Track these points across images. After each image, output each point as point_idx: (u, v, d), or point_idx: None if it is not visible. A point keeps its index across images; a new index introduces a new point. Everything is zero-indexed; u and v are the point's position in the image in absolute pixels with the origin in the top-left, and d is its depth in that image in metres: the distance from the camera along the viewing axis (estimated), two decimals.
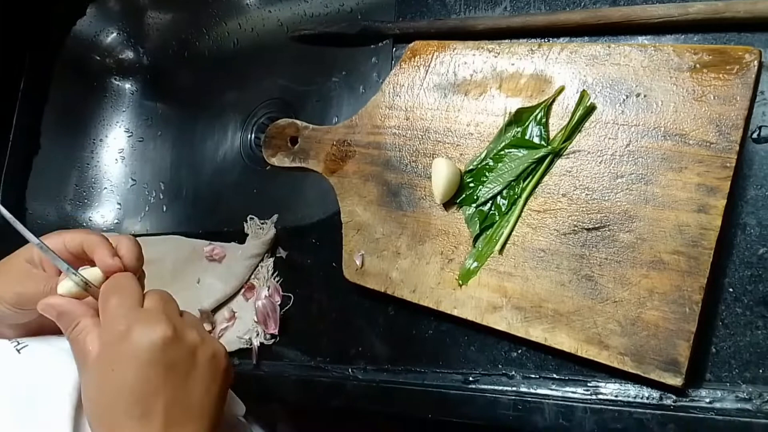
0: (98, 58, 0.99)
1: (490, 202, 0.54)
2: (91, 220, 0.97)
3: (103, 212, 0.97)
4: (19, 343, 0.46)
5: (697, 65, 0.47)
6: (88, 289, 0.44)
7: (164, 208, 0.94)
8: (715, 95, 0.46)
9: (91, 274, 0.45)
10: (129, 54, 1.00)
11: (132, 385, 0.39)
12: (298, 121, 0.68)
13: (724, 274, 0.47)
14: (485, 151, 0.55)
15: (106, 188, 0.98)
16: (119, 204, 0.97)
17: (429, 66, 0.60)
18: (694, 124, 0.46)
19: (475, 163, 0.56)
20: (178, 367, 0.41)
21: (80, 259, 0.46)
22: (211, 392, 0.42)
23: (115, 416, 0.39)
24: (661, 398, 0.47)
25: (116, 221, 0.97)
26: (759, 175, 0.47)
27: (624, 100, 0.50)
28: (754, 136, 0.48)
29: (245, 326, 0.69)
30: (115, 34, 1.00)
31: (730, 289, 0.47)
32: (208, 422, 0.42)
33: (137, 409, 0.39)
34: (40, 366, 0.45)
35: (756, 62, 0.45)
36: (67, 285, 0.44)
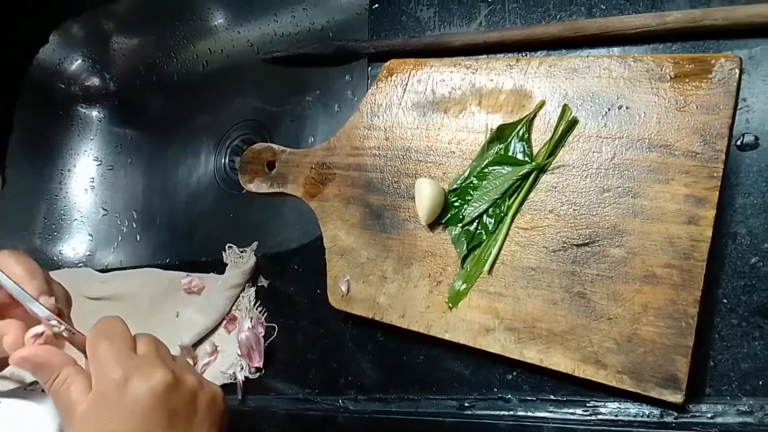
0: (63, 86, 0.97)
1: (476, 221, 0.53)
2: (61, 254, 0.93)
3: (74, 245, 0.94)
4: None
5: (678, 75, 0.46)
6: (72, 339, 0.42)
7: (138, 238, 0.91)
8: (697, 104, 0.45)
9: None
10: (95, 81, 0.98)
11: None
12: (274, 145, 0.66)
13: (718, 285, 0.47)
14: (468, 169, 0.54)
15: (76, 219, 0.95)
16: (90, 235, 0.94)
17: (406, 84, 0.58)
18: (678, 134, 0.46)
19: (458, 181, 0.54)
20: (180, 413, 0.40)
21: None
22: None
23: None
24: (662, 415, 0.46)
25: (88, 253, 0.93)
26: (746, 183, 0.47)
27: (606, 112, 0.49)
28: (738, 143, 0.48)
29: (228, 360, 0.66)
30: (80, 61, 0.97)
31: (725, 300, 0.46)
32: None
33: None
34: (17, 423, 0.43)
35: (737, 69, 0.44)
36: (36, 329, 0.41)
